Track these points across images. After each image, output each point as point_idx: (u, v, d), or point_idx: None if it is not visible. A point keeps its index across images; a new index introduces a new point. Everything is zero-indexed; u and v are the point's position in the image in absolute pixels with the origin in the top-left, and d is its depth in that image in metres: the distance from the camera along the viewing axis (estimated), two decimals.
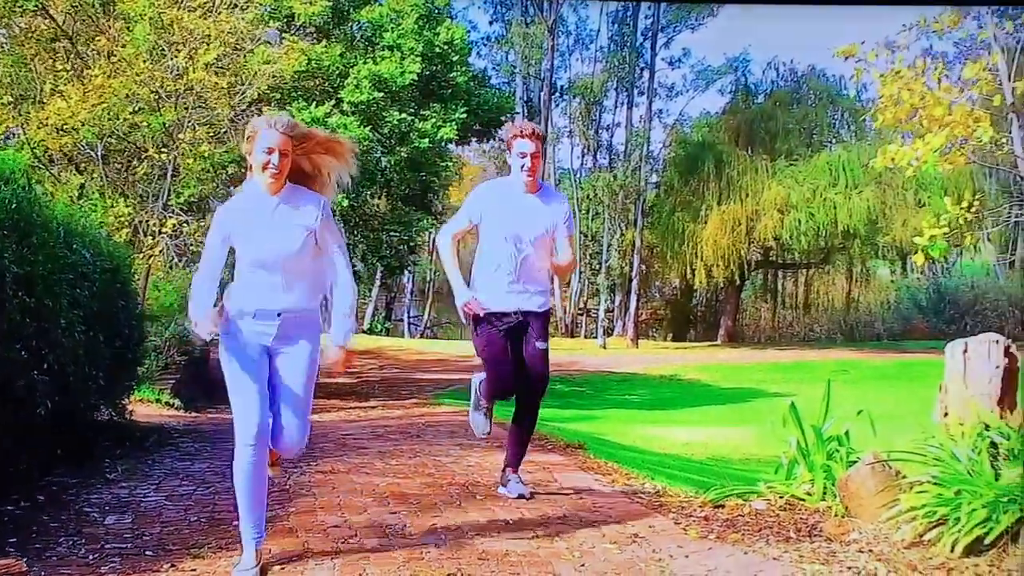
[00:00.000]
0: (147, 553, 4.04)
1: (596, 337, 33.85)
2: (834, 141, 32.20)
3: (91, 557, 3.99)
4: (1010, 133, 4.92)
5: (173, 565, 3.85)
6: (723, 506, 5.03)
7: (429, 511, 4.82)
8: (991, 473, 4.05)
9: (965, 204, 5.08)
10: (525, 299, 4.98)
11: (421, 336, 39.57)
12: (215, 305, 3.73)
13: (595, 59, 37.43)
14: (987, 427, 4.38)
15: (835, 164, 29.07)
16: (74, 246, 6.50)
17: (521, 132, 4.85)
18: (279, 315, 3.75)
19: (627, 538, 4.35)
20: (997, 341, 4.74)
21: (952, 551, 3.87)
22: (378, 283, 35.00)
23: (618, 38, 36.33)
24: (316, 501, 5.05)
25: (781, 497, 5.00)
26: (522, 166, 4.84)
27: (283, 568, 3.82)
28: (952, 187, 21.91)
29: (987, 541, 3.83)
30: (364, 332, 33.56)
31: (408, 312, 41.96)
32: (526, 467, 6.28)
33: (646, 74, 35.94)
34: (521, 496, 5.06)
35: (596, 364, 25.15)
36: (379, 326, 37.66)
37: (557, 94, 36.81)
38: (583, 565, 3.88)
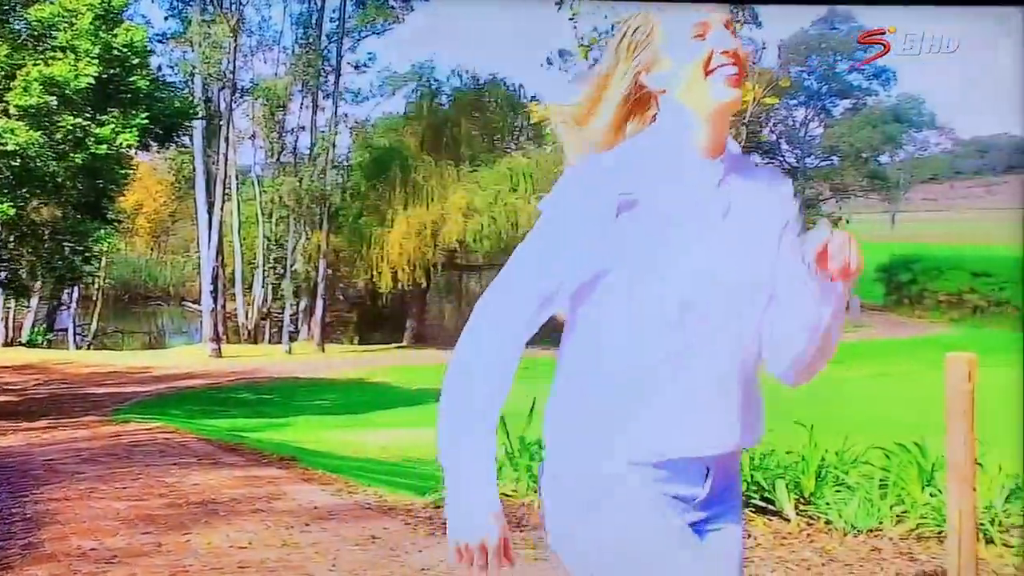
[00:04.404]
0: None
1: (281, 343, 33.72)
2: (515, 147, 34.04)
3: None
4: None
5: None
6: (442, 506, 5.73)
7: (179, 530, 5.15)
8: None
9: None
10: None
11: (89, 347, 37.46)
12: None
13: (279, 61, 37.22)
14: None
15: (515, 170, 30.73)
16: None
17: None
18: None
19: (367, 540, 4.95)
20: None
21: None
22: (38, 295, 32.75)
23: (303, 40, 36.37)
24: (65, 527, 5.22)
25: None
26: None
27: None
28: None
29: None
30: (24, 345, 31.45)
31: (73, 322, 39.54)
32: (252, 483, 6.69)
33: (332, 78, 36.28)
34: None
35: (282, 370, 25.11)
36: (40, 338, 35.28)
37: (239, 95, 36.26)
38: (334, 566, 4.43)
